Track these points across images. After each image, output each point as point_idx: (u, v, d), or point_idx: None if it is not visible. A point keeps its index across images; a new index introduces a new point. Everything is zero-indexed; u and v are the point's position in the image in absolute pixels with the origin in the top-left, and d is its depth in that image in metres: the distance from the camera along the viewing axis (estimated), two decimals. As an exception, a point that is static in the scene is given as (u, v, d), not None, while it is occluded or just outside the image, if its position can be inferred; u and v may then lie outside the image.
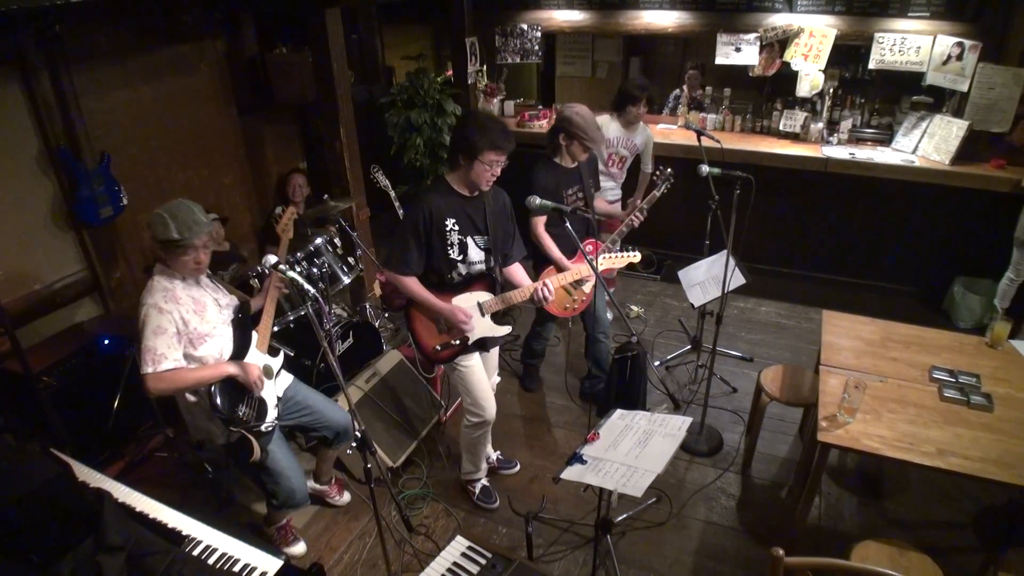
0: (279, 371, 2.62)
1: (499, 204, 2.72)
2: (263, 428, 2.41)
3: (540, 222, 3.21)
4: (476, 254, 2.68)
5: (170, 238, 2.17)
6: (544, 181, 3.11)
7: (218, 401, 2.28)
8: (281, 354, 2.66)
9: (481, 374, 2.82)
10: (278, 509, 2.66)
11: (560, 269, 3.17)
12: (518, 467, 3.31)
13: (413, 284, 2.62)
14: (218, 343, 2.38)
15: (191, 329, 2.29)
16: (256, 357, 2.49)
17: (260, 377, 2.40)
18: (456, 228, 2.58)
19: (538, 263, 3.32)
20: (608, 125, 3.83)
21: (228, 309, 2.48)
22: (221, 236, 3.67)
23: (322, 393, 2.82)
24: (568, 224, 2.46)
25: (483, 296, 2.75)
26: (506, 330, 2.83)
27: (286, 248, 2.88)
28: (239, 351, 2.43)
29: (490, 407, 2.83)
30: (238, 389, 2.36)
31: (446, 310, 2.65)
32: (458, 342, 2.73)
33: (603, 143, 3.02)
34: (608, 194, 4.00)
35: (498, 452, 3.33)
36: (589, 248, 3.18)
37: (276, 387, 2.59)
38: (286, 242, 2.88)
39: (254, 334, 2.52)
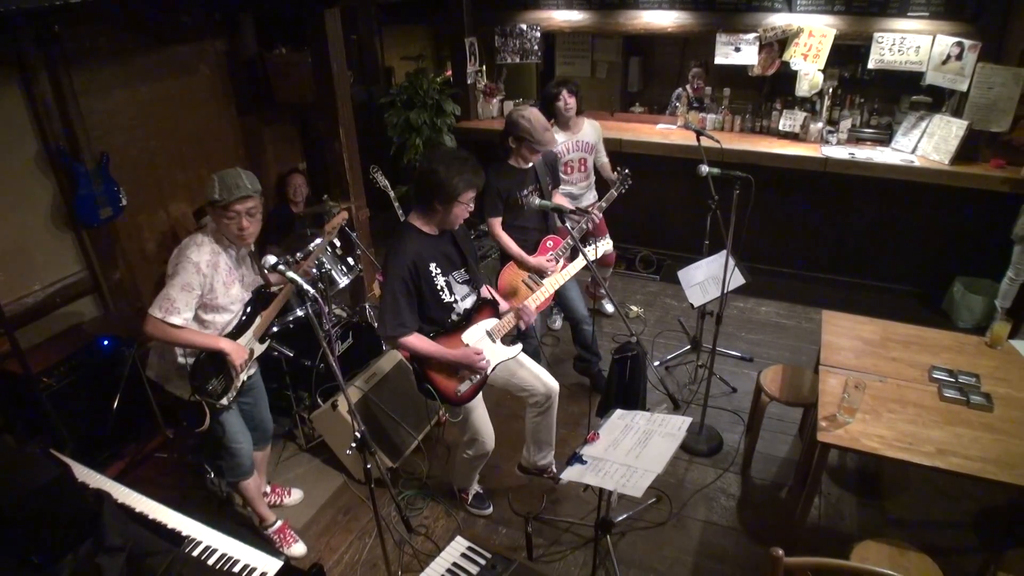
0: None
1: (462, 230, 2.67)
2: (218, 404, 2.49)
3: (497, 222, 3.28)
4: (461, 289, 2.66)
5: (212, 198, 2.29)
6: (499, 183, 3.21)
7: (198, 369, 2.40)
8: (266, 343, 2.68)
9: (482, 408, 2.76)
10: (224, 477, 2.77)
11: (521, 264, 3.31)
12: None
13: (418, 342, 2.51)
14: (227, 317, 2.47)
15: (212, 298, 2.39)
16: (247, 340, 2.54)
17: (245, 362, 2.47)
18: (439, 271, 2.54)
19: (502, 264, 3.40)
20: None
21: (249, 289, 2.55)
22: None
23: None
24: (567, 223, 2.66)
25: (489, 323, 2.72)
26: (517, 349, 2.78)
27: (332, 237, 2.90)
28: (239, 330, 2.50)
29: (491, 440, 2.79)
30: (218, 363, 2.44)
31: (461, 357, 2.57)
32: (477, 377, 2.66)
33: (553, 144, 3.14)
34: (583, 200, 4.02)
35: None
36: (549, 244, 3.38)
37: (248, 370, 2.63)
38: (328, 239, 2.87)
39: (257, 319, 2.56)
